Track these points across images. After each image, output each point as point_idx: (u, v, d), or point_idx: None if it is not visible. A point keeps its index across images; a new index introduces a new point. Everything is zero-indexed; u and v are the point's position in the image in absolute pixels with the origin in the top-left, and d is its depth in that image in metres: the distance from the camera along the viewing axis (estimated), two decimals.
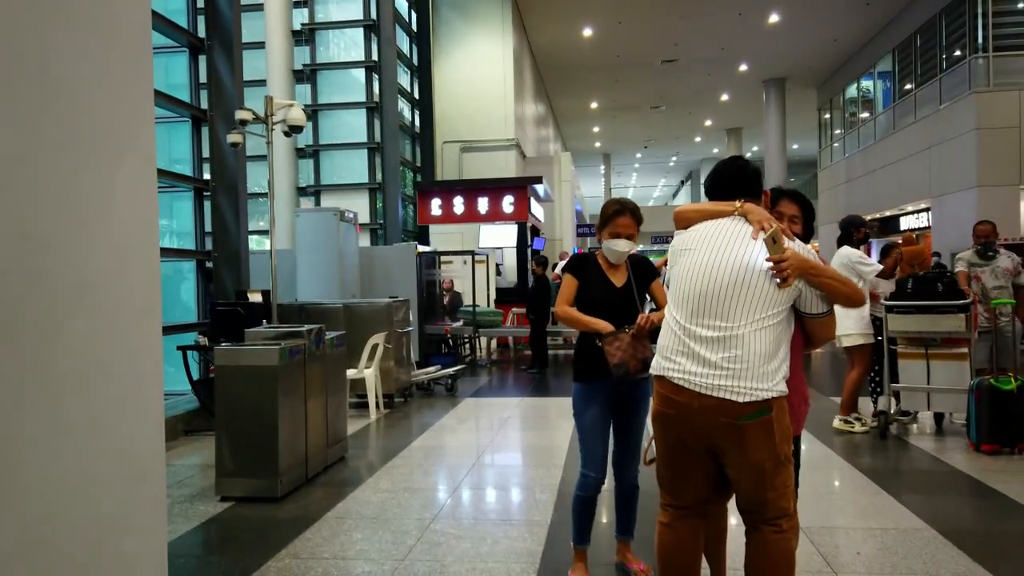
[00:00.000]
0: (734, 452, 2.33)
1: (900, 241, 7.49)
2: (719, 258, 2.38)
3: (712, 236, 2.44)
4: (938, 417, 6.36)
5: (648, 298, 3.34)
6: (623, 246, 3.23)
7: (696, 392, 2.31)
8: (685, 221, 2.57)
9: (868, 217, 21.26)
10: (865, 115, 22.10)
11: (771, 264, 2.31)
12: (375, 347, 7.36)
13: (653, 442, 2.58)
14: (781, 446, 2.34)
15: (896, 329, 5.94)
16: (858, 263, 5.96)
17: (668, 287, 2.57)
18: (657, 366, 2.47)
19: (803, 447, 5.71)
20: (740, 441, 2.31)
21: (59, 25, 1.92)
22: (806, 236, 2.77)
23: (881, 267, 6.02)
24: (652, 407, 2.51)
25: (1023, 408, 5.31)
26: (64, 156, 1.93)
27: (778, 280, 2.30)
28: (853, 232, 6.14)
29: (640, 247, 33.67)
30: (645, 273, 3.33)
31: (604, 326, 3.08)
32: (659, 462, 2.54)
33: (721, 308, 2.33)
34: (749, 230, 2.41)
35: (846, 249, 6.08)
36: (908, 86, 18.62)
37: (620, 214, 3.23)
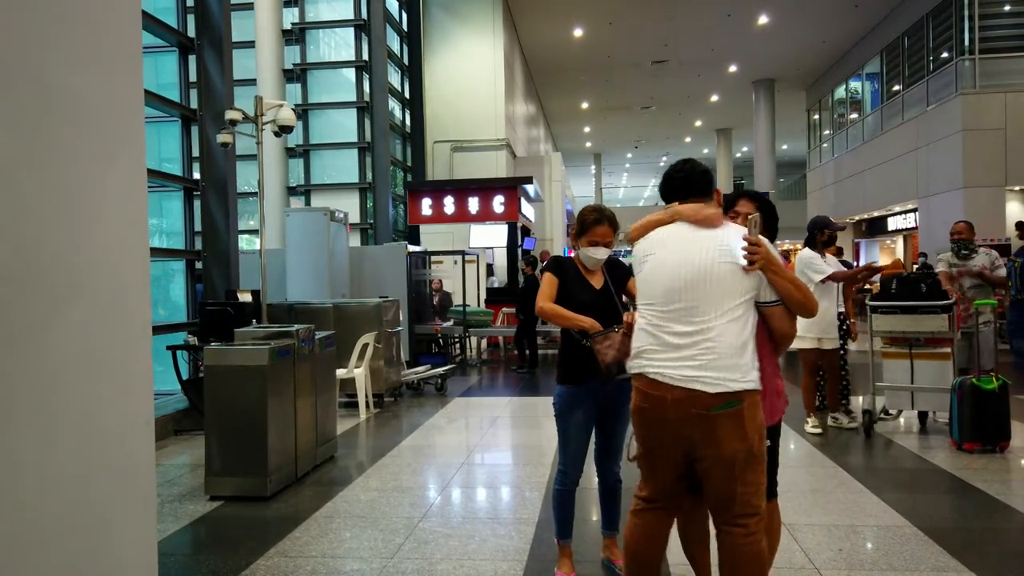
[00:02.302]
0: (706, 445, 2.37)
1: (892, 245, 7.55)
2: (681, 257, 2.48)
3: (668, 239, 2.55)
4: (922, 416, 6.44)
5: (625, 297, 3.39)
6: (601, 254, 3.29)
7: (669, 385, 2.39)
8: (636, 236, 2.69)
9: (856, 218, 21.49)
10: (853, 116, 22.27)
11: (745, 245, 2.38)
12: (365, 347, 7.38)
13: (634, 439, 2.64)
14: (753, 440, 2.38)
15: (880, 329, 6.02)
16: (807, 267, 5.89)
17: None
18: (635, 364, 2.55)
19: (790, 446, 5.77)
20: (712, 433, 2.36)
21: (50, 28, 1.94)
22: (770, 237, 2.76)
23: (830, 272, 5.88)
24: (632, 403, 2.58)
25: (1004, 407, 5.39)
26: (54, 157, 1.95)
27: (745, 262, 2.37)
28: (816, 234, 6.07)
29: (630, 248, 33.76)
30: (621, 274, 3.38)
31: (591, 323, 3.10)
32: (642, 456, 2.61)
33: (690, 303, 2.42)
34: (701, 231, 2.50)
35: (805, 252, 6.04)
36: (896, 87, 18.77)
37: (599, 223, 3.27)
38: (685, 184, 2.66)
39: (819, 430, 6.16)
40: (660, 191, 2.76)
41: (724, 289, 2.40)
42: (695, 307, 2.41)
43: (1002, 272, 6.64)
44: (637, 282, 2.65)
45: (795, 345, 6.00)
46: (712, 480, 2.43)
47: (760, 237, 2.42)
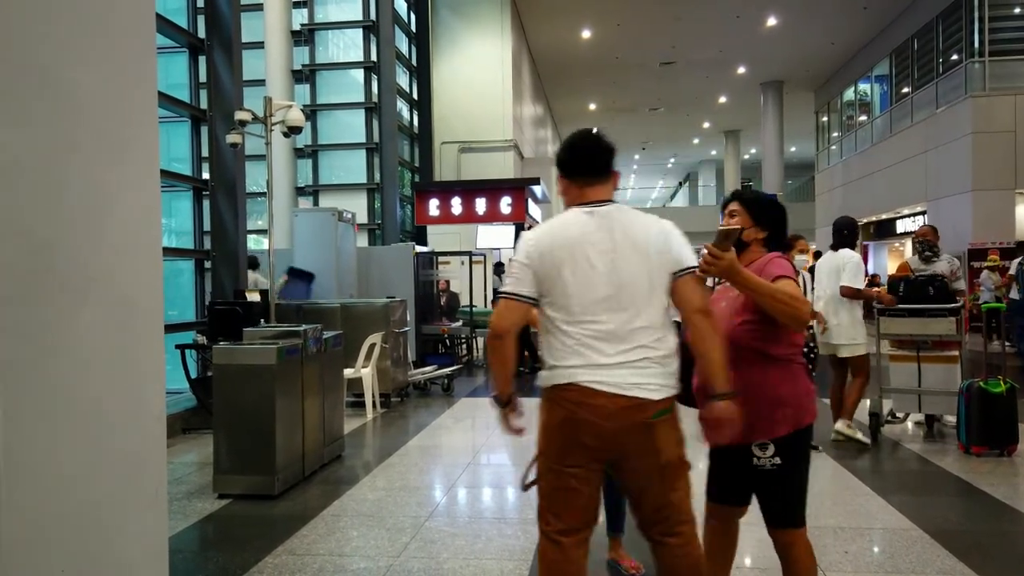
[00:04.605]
0: (644, 454, 2.23)
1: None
2: (612, 258, 2.24)
3: (586, 235, 2.28)
4: (929, 419, 6.41)
5: None
6: None
7: (610, 394, 2.19)
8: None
9: (864, 220, 21.39)
10: (862, 118, 22.19)
11: (705, 252, 2.29)
12: (372, 347, 7.40)
13: (535, 465, 2.41)
14: (682, 445, 2.30)
15: (888, 332, 6.00)
16: (854, 268, 5.66)
17: (515, 289, 2.32)
18: (561, 374, 2.28)
19: None
20: (652, 441, 2.22)
21: (65, 28, 1.97)
22: (777, 238, 2.66)
23: (860, 288, 5.67)
24: (547, 419, 2.34)
25: (1012, 411, 5.37)
26: (69, 157, 1.98)
27: (695, 268, 2.28)
28: (856, 234, 5.82)
29: None
30: None
31: None
32: (548, 483, 2.35)
33: (627, 307, 2.23)
34: (622, 222, 2.28)
35: (849, 252, 5.77)
36: (905, 90, 18.70)
37: None
38: (588, 158, 2.39)
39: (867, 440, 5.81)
40: (558, 160, 2.45)
41: (659, 291, 2.26)
42: (632, 311, 2.22)
43: (960, 285, 6.33)
44: (545, 286, 2.30)
45: (852, 352, 5.72)
46: (648, 492, 2.28)
47: (731, 251, 2.29)
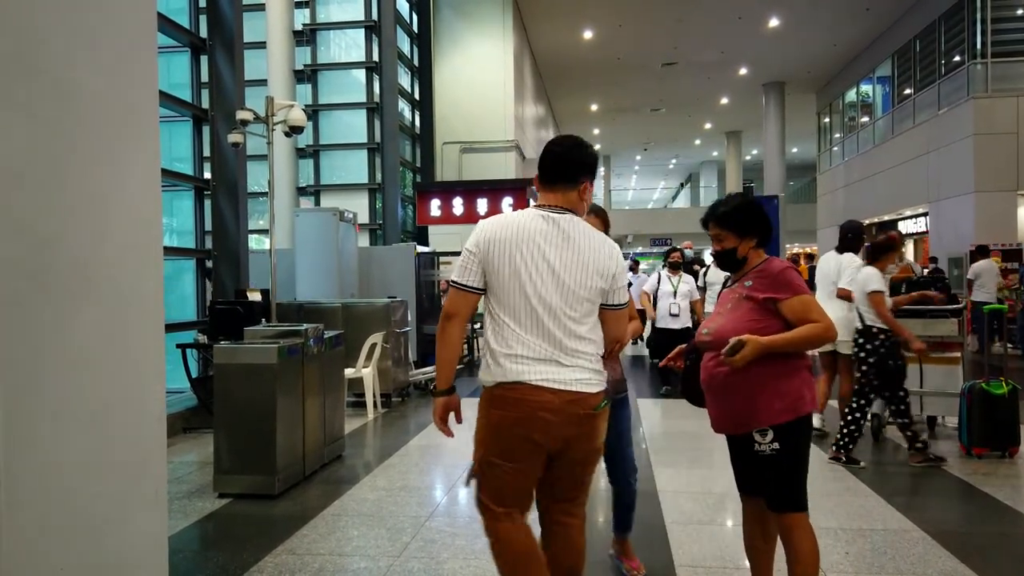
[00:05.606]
0: (583, 441, 2.40)
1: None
2: (558, 259, 2.36)
3: (535, 234, 2.39)
4: (931, 420, 6.40)
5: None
6: None
7: (556, 390, 2.32)
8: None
9: (866, 221, 21.38)
10: (864, 120, 22.17)
11: (725, 353, 2.54)
12: (373, 347, 7.40)
13: (481, 461, 2.47)
14: (604, 435, 2.51)
15: None
16: (852, 273, 5.72)
17: (472, 285, 2.43)
18: (507, 371, 2.36)
19: None
20: (592, 429, 2.41)
21: (68, 28, 1.97)
22: (767, 235, 2.74)
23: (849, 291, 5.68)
24: (495, 419, 2.39)
25: (1014, 412, 5.37)
26: (71, 157, 1.98)
27: (626, 304, 2.52)
28: (864, 238, 5.99)
29: (639, 249, 33.74)
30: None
31: None
32: (495, 478, 2.42)
33: (570, 310, 2.36)
34: (572, 231, 2.39)
35: (851, 256, 5.93)
36: (907, 91, 18.69)
37: (587, 215, 3.25)
38: (559, 165, 2.47)
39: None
40: (539, 164, 2.55)
41: (594, 301, 2.42)
42: (571, 311, 2.36)
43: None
44: (490, 277, 2.41)
45: (847, 349, 5.79)
46: (573, 473, 2.47)
47: (742, 351, 2.50)
